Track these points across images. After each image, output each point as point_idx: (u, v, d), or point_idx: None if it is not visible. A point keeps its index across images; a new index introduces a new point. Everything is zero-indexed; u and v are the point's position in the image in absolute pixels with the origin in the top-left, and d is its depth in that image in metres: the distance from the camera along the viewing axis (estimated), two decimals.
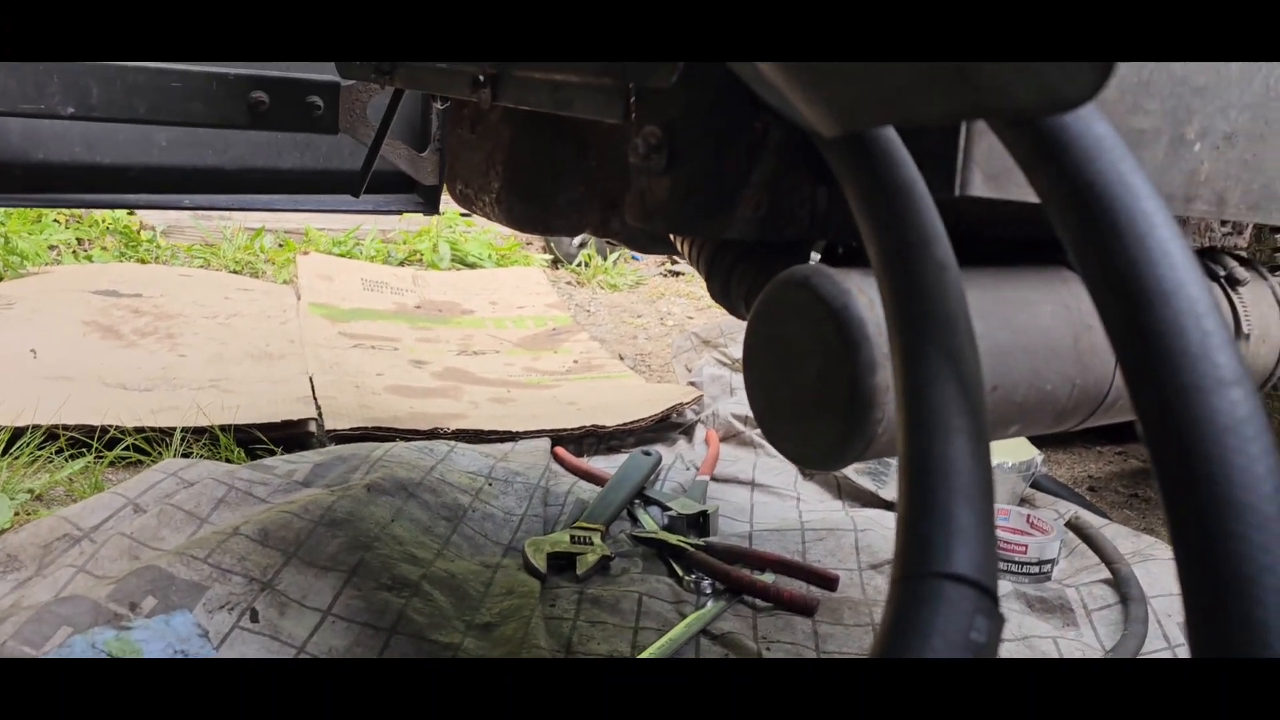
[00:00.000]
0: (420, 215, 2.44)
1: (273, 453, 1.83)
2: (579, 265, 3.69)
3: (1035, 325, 0.86)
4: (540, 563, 1.55)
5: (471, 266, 3.58)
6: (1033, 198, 0.77)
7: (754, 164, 0.89)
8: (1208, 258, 1.03)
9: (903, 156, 0.70)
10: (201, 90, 1.65)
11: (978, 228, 0.96)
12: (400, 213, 2.03)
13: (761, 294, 0.84)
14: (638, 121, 0.90)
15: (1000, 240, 0.97)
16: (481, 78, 1.12)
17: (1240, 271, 1.01)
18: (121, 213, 3.15)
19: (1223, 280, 1.01)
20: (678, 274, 3.90)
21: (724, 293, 0.99)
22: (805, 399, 0.81)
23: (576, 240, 3.70)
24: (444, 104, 1.66)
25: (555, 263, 3.71)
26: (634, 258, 3.97)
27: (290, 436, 1.91)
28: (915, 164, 0.82)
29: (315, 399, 2.08)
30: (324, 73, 1.73)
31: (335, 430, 1.92)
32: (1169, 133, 0.87)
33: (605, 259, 3.72)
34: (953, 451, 0.56)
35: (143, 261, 3.10)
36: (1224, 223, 1.12)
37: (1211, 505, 0.46)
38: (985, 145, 0.78)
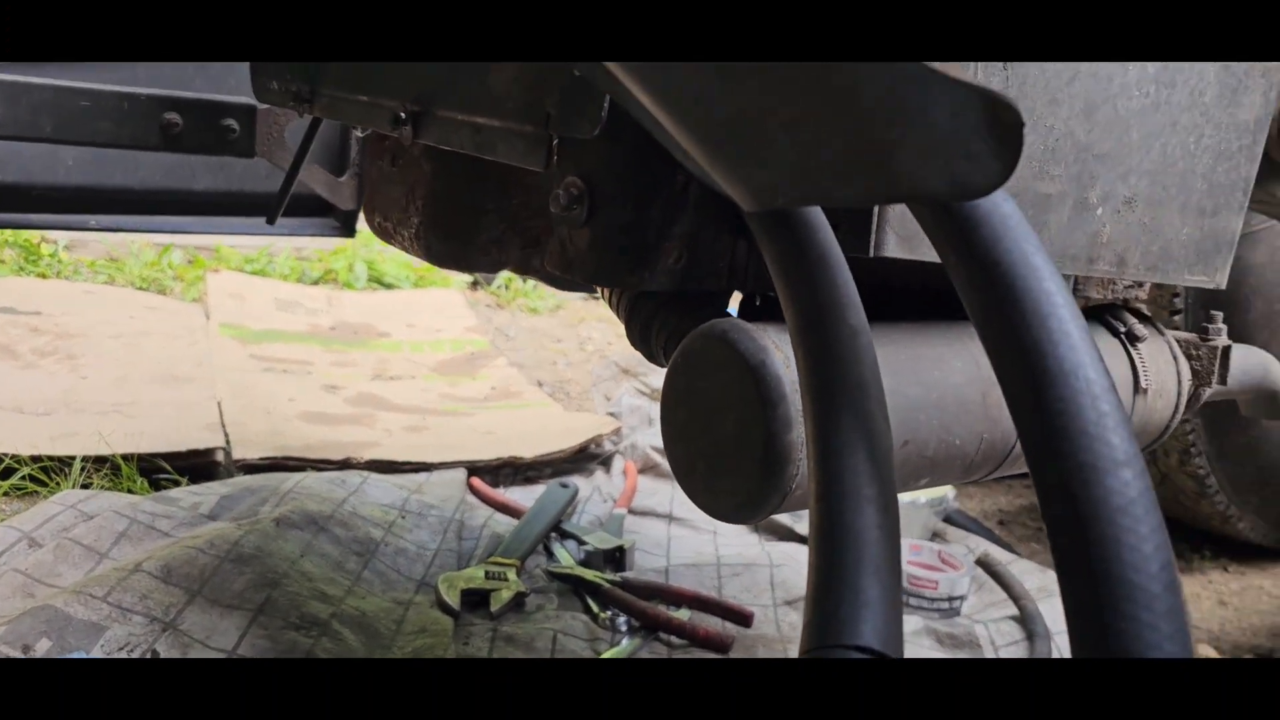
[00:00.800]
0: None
1: (178, 483, 1.78)
2: (500, 288, 3.67)
3: (946, 381, 0.88)
4: (454, 600, 1.54)
5: (388, 287, 3.54)
6: (937, 258, 0.79)
7: (675, 217, 0.90)
8: (1109, 314, 1.07)
9: (819, 223, 0.71)
10: (112, 110, 1.60)
11: (894, 281, 0.98)
12: (316, 236, 2.00)
13: (680, 346, 0.85)
14: (560, 171, 0.91)
15: (917, 292, 0.99)
16: (403, 114, 1.11)
17: (1139, 329, 1.05)
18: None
19: (1123, 337, 1.05)
20: (598, 298, 3.91)
21: (643, 340, 0.99)
22: (721, 453, 0.81)
23: None
24: (364, 131, 1.64)
25: (475, 284, 3.69)
26: None
27: (196, 466, 1.86)
28: (832, 226, 0.84)
29: (224, 426, 2.02)
30: (241, 96, 1.70)
31: (244, 460, 1.88)
32: (1073, 197, 0.90)
33: (525, 281, 3.71)
34: (862, 522, 0.57)
35: (43, 277, 3.00)
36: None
37: (1104, 583, 0.48)
38: (899, 209, 0.80)
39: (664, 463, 2.16)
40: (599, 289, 1.09)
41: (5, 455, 1.69)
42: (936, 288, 1.01)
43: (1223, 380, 1.14)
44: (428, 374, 2.69)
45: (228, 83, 1.85)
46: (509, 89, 0.94)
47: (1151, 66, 0.91)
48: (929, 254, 0.82)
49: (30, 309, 2.59)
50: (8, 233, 3.16)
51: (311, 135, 1.59)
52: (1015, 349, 0.55)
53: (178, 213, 1.85)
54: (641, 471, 2.16)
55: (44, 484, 1.69)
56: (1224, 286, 1.05)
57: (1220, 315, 1.14)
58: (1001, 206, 0.59)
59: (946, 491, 2.05)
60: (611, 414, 2.42)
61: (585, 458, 2.18)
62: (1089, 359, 0.54)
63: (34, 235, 3.16)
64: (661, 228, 0.89)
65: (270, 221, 1.59)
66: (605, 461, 2.21)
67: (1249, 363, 1.22)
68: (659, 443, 2.21)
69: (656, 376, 2.64)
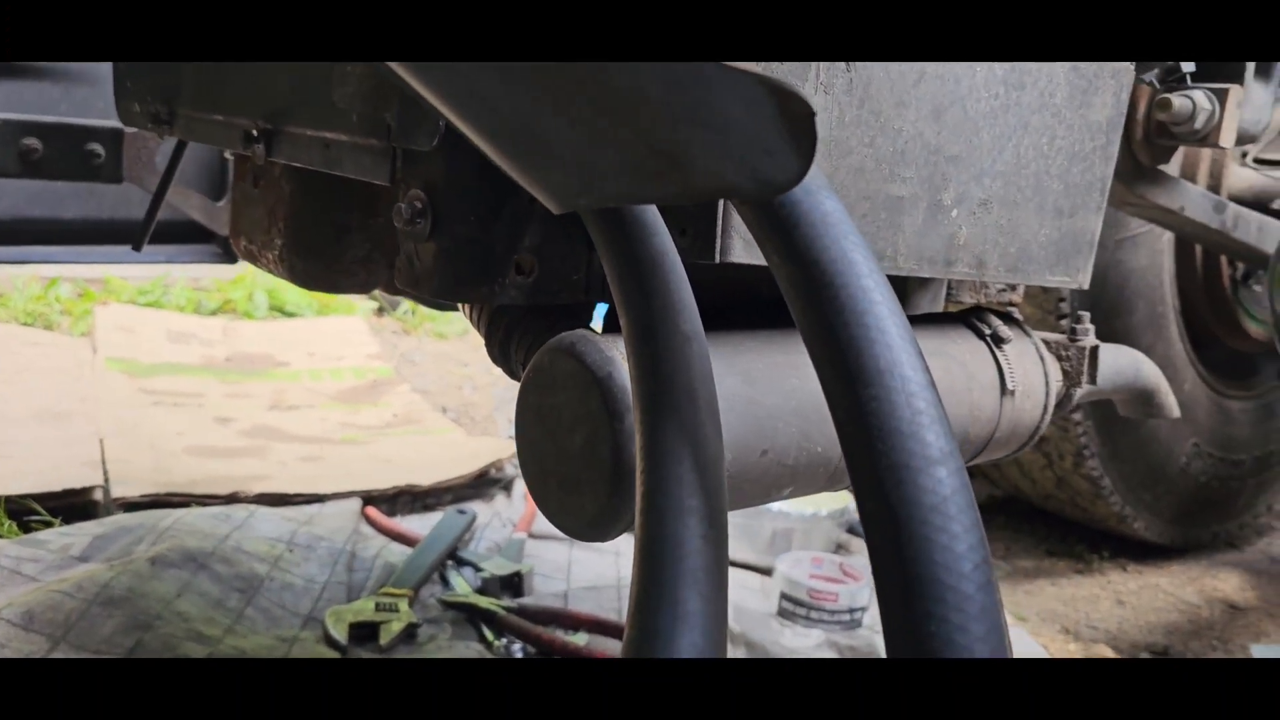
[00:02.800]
0: (242, 265, 2.33)
1: (50, 524, 1.69)
2: (405, 313, 3.61)
3: (805, 389, 0.87)
4: (341, 634, 1.48)
5: (290, 316, 3.46)
6: None
7: (522, 229, 0.87)
8: (975, 316, 1.07)
9: (656, 226, 0.69)
10: None
11: (751, 290, 0.96)
12: (197, 263, 1.94)
13: (531, 360, 0.83)
14: (404, 184, 0.88)
15: (776, 301, 0.98)
16: (255, 132, 1.07)
17: (1004, 330, 1.05)
18: None
19: (988, 338, 1.05)
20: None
21: (502, 355, 0.96)
22: (573, 469, 0.79)
23: None
24: (228, 152, 1.60)
25: (380, 310, 3.62)
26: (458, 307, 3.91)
27: (72, 505, 1.78)
28: (679, 232, 0.82)
29: (104, 463, 1.94)
30: (106, 119, 1.64)
31: (123, 498, 1.80)
32: (926, 199, 0.90)
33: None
34: (684, 533, 0.55)
35: None
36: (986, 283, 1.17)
37: (916, 584, 0.46)
38: (741, 212, 0.79)
39: None
40: (461, 306, 1.06)
41: None
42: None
43: (1092, 380, 1.15)
44: (327, 402, 2.63)
45: (95, 106, 1.78)
46: (352, 102, 0.91)
47: (999, 68, 0.92)
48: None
49: None
50: None
51: (177, 158, 1.53)
52: (832, 347, 0.53)
53: (45, 242, 1.78)
54: None
55: None
56: (1087, 286, 1.06)
57: (1088, 315, 1.16)
58: (823, 204, 0.57)
59: (848, 502, 2.05)
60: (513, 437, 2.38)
61: (486, 483, 2.13)
62: (906, 357, 0.52)
63: None
64: (509, 240, 0.87)
65: (136, 248, 1.53)
66: (506, 486, 2.17)
67: (1120, 362, 1.24)
68: None
69: None
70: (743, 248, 0.79)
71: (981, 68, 0.90)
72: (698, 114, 0.48)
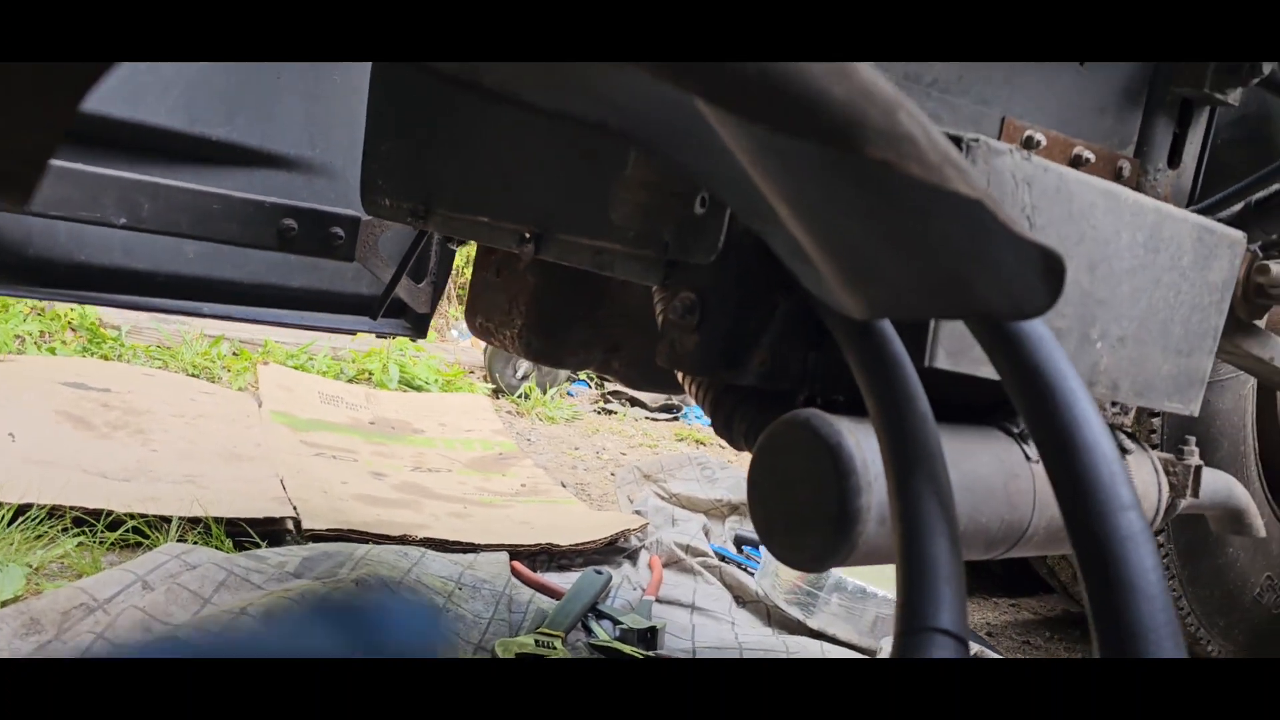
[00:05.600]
0: (370, 336, 2.63)
1: (258, 545, 1.96)
2: (520, 397, 3.89)
3: (975, 471, 1.10)
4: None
5: (417, 389, 3.75)
6: (978, 371, 1.04)
7: (764, 328, 1.13)
8: None
9: (893, 334, 0.94)
10: (239, 212, 1.85)
11: (932, 393, 1.21)
12: (393, 335, 2.23)
13: (768, 430, 1.07)
14: (672, 285, 1.14)
15: (952, 403, 1.22)
16: (527, 235, 1.35)
17: (1127, 443, 1.28)
18: (91, 310, 3.26)
19: (1118, 447, 1.27)
20: (610, 412, 4.14)
21: (726, 428, 1.21)
22: (800, 515, 1.03)
23: (520, 373, 3.92)
24: (457, 245, 1.89)
25: (496, 392, 3.90)
26: (569, 393, 4.20)
27: (269, 532, 2.04)
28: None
29: (289, 500, 2.21)
30: (348, 208, 1.94)
31: (312, 530, 2.06)
32: (1078, 332, 1.14)
33: (544, 393, 3.94)
34: (937, 549, 0.78)
35: (105, 358, 3.20)
36: (1114, 403, 1.40)
37: (1116, 587, 0.69)
38: (947, 329, 1.04)
39: (686, 558, 2.35)
40: (688, 386, 1.31)
41: (112, 510, 1.87)
42: (964, 399, 1.25)
43: (1195, 494, 1.36)
44: (462, 469, 2.89)
45: (328, 195, 2.10)
46: (629, 220, 1.18)
47: (1141, 234, 1.16)
48: (969, 367, 1.05)
49: (100, 386, 2.78)
50: (74, 315, 3.38)
51: (416, 246, 1.83)
52: (1053, 428, 0.78)
53: (275, 306, 2.07)
54: (665, 565, 2.35)
55: (145, 538, 1.87)
56: (1196, 414, 1.29)
57: (1193, 439, 1.38)
58: (1038, 327, 0.83)
59: None
60: (637, 512, 2.61)
61: (614, 550, 2.36)
62: (1105, 437, 0.77)
63: (97, 318, 3.37)
64: (755, 336, 1.12)
65: (373, 318, 1.82)
66: (632, 555, 2.39)
67: (1217, 484, 1.45)
68: (681, 539, 2.41)
69: (675, 482, 2.85)
70: (945, 356, 1.04)
71: (1127, 233, 1.15)
72: (986, 254, 0.73)
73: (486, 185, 1.46)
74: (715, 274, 1.11)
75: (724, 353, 1.12)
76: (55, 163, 1.72)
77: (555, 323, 1.49)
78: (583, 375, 4.44)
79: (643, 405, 4.21)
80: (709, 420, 1.25)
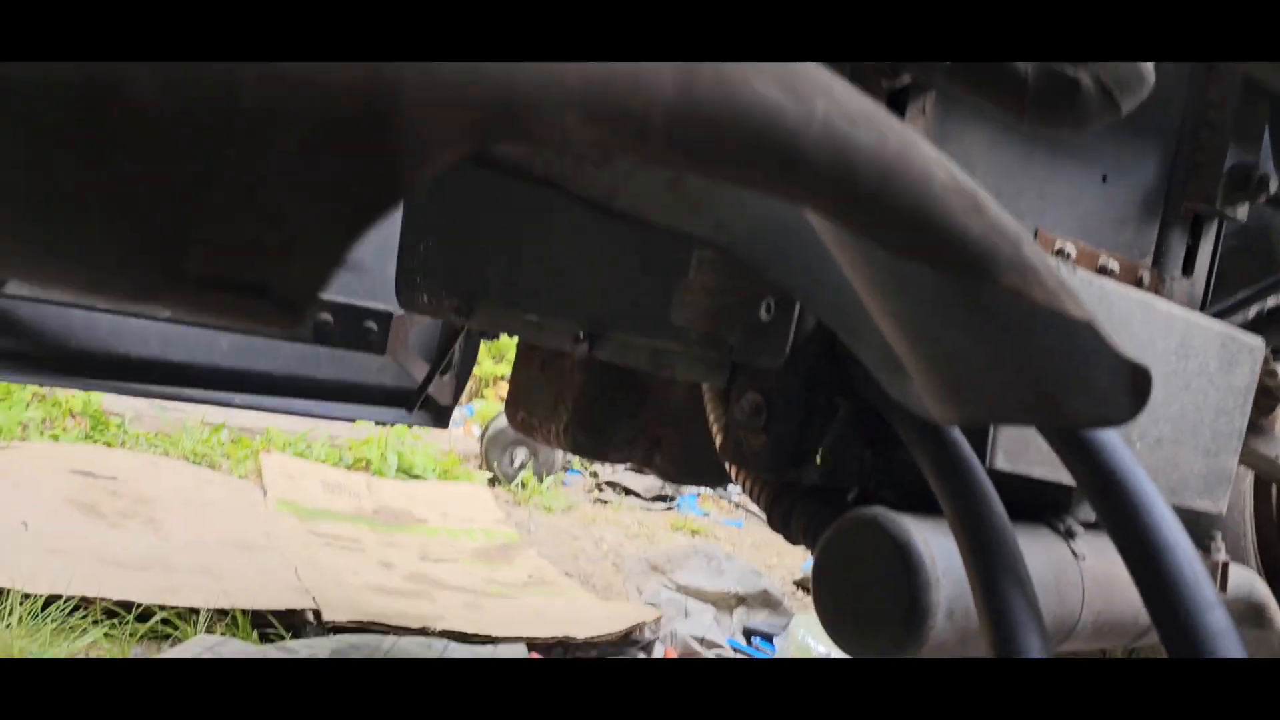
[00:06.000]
0: (366, 423, 2.65)
1: (282, 636, 1.96)
2: (516, 486, 3.91)
3: (1029, 566, 1.15)
4: None
5: (415, 477, 3.76)
6: (1033, 472, 1.10)
7: (826, 430, 1.18)
8: None
9: (962, 439, 1.00)
10: None
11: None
12: (414, 424, 2.26)
13: (836, 527, 1.12)
14: (737, 387, 1.20)
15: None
16: (581, 334, 1.40)
17: None
18: (94, 397, 3.27)
19: None
20: (605, 502, 4.15)
21: (784, 524, 1.25)
22: (870, 609, 1.07)
23: (517, 462, 3.94)
24: (491, 339, 1.94)
25: (494, 481, 3.92)
26: (564, 483, 4.22)
27: (291, 624, 2.04)
28: None
29: (307, 590, 2.22)
30: (378, 301, 2.00)
31: (333, 622, 2.06)
32: (1120, 434, 1.20)
33: (541, 481, 3.95)
34: (1030, 646, 0.83)
35: (109, 445, 3.20)
36: None
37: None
38: (1006, 433, 1.10)
39: (703, 650, 2.36)
40: (742, 483, 1.35)
41: (147, 605, 1.87)
42: (1011, 497, 1.30)
43: (1223, 588, 1.42)
44: (468, 559, 2.90)
45: (358, 289, 2.15)
46: (691, 323, 1.24)
47: (1174, 341, 1.24)
48: (1025, 469, 1.11)
49: (107, 474, 2.78)
50: (75, 402, 3.38)
51: (451, 342, 1.88)
52: (1135, 531, 0.83)
53: (303, 396, 2.11)
54: (680, 657, 2.36)
55: (174, 628, 1.87)
56: (1224, 513, 1.35)
57: (1220, 535, 1.44)
58: (1111, 433, 0.89)
59: None
60: (650, 604, 2.63)
61: (628, 642, 2.37)
62: (1183, 538, 0.82)
63: (99, 404, 3.38)
64: (817, 436, 1.18)
65: (410, 410, 1.86)
66: (646, 647, 2.40)
67: (1240, 578, 1.51)
68: (696, 632, 2.42)
69: (683, 574, 2.87)
70: (1004, 458, 1.10)
71: (1160, 340, 1.23)
72: (1082, 369, 0.79)
73: (536, 283, 1.51)
74: (781, 376, 1.17)
75: (791, 452, 1.17)
76: None
77: (602, 419, 1.53)
78: (576, 464, 4.46)
79: (638, 495, 4.24)
80: (765, 515, 1.29)
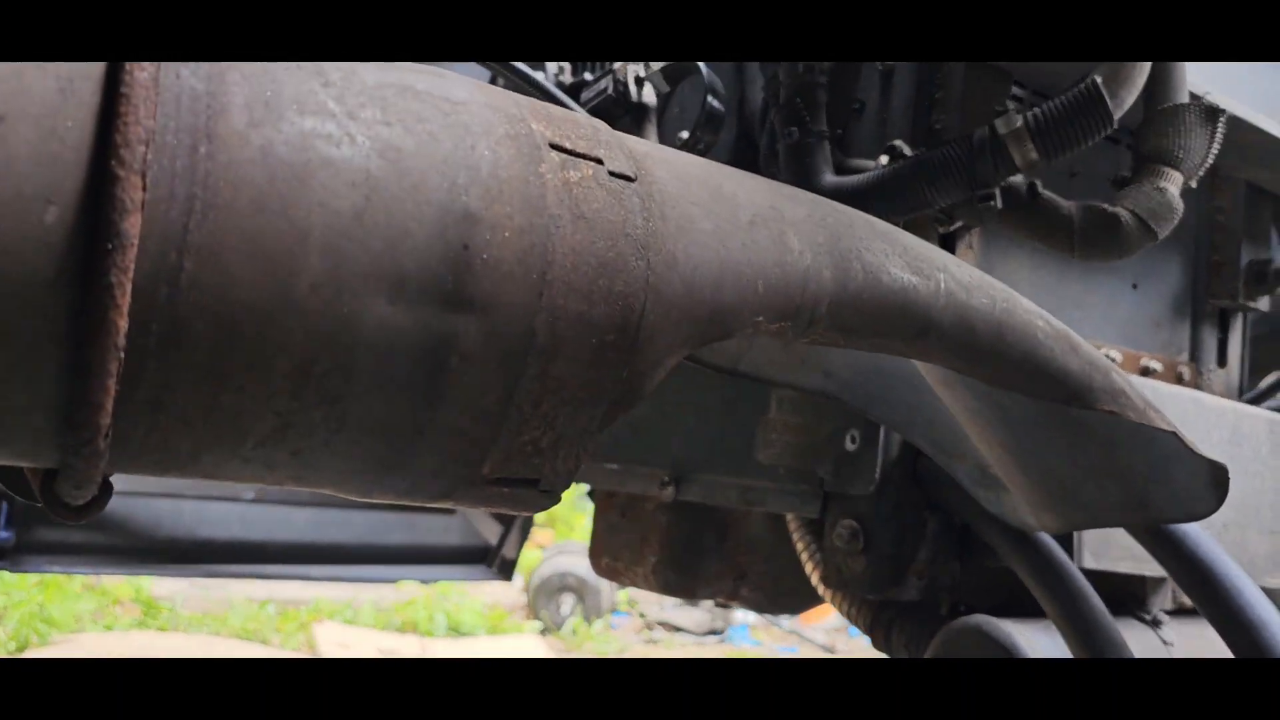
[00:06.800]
0: (409, 584, 2.69)
1: None
2: (568, 633, 3.92)
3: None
4: None
5: (464, 634, 3.78)
6: (1117, 568, 1.17)
7: (919, 548, 1.26)
8: None
9: (1054, 543, 1.08)
10: None
11: None
12: (480, 580, 2.32)
13: (941, 638, 1.19)
14: (831, 516, 1.28)
15: None
16: (666, 479, 1.49)
17: None
18: (144, 584, 3.32)
19: None
20: (655, 642, 4.16)
21: (885, 641, 1.32)
22: None
23: (566, 608, 3.96)
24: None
25: (544, 631, 3.93)
26: (611, 625, 4.22)
27: None
28: None
29: None
30: None
31: None
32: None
33: (589, 624, 3.96)
34: None
35: (162, 630, 3.23)
36: None
37: None
38: (1090, 535, 1.17)
39: None
40: (840, 605, 1.41)
41: None
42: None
43: None
44: None
45: None
46: (779, 459, 1.33)
47: (1225, 432, 1.33)
48: (1109, 565, 1.18)
49: None
50: (125, 590, 3.43)
51: None
52: (1229, 613, 0.91)
53: (373, 562, 2.17)
54: None
55: None
56: None
57: None
58: (1193, 525, 0.97)
59: None
60: None
61: None
62: (1273, 617, 0.90)
63: (148, 591, 3.42)
64: (910, 555, 1.25)
65: (489, 565, 1.93)
66: None
67: None
68: None
69: None
70: (1090, 557, 1.17)
71: (1215, 432, 1.31)
72: (1167, 472, 0.88)
73: (616, 433, 1.60)
74: (872, 502, 1.25)
75: (890, 572, 1.24)
76: None
77: (690, 557, 1.61)
78: (622, 605, 4.48)
79: (688, 631, 4.24)
80: (868, 636, 1.36)
